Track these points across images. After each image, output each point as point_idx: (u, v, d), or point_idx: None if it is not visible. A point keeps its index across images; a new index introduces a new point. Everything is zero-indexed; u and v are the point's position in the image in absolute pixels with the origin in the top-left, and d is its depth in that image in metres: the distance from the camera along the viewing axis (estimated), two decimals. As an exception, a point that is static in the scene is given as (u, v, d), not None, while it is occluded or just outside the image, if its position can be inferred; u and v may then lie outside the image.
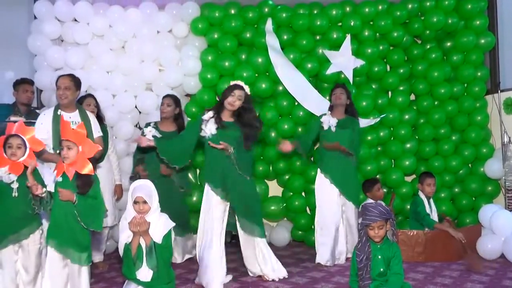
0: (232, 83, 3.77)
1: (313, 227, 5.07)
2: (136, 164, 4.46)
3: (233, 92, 3.67)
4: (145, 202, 2.98)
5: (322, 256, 4.28)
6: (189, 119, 5.16)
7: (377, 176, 4.62)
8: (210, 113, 3.72)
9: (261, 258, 3.78)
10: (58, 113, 3.63)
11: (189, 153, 3.74)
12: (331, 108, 4.50)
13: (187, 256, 4.57)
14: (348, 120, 4.42)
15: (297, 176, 5.25)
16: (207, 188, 3.72)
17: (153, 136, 4.03)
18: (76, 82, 3.77)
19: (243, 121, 3.72)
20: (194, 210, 4.66)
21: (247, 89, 3.74)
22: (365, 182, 4.57)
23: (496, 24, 5.56)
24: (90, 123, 3.76)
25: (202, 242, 3.70)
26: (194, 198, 5.05)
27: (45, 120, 3.67)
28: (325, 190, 4.38)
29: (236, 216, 3.74)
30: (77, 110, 3.80)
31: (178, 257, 4.50)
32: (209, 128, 3.66)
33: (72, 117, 3.68)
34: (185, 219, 4.59)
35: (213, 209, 3.66)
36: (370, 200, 4.33)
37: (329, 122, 4.38)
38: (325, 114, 4.46)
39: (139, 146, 4.11)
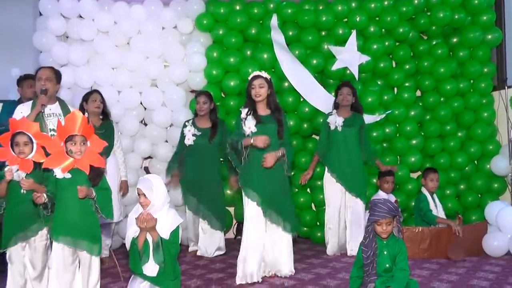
0: (249, 76, 3.80)
1: (318, 223, 5.14)
2: (175, 164, 4.56)
3: (252, 84, 3.71)
4: (144, 195, 2.98)
5: (332, 249, 4.49)
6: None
7: (393, 169, 4.68)
8: (246, 110, 3.74)
9: (278, 252, 3.81)
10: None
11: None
12: (336, 107, 4.53)
13: (217, 253, 4.58)
14: (353, 118, 4.48)
15: (303, 172, 5.23)
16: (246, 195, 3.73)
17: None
18: (57, 74, 3.75)
19: (271, 108, 3.75)
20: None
21: (264, 74, 3.75)
22: (380, 172, 4.68)
23: (503, 19, 5.55)
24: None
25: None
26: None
27: (24, 109, 3.64)
28: (332, 188, 4.50)
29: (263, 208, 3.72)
30: (57, 102, 3.76)
31: (208, 251, 4.53)
32: (249, 126, 3.68)
33: (52, 109, 3.68)
34: (222, 214, 4.66)
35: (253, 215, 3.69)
36: (379, 196, 4.38)
37: (336, 122, 4.45)
38: (331, 114, 4.52)
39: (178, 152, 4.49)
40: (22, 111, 3.61)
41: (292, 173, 5.25)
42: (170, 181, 4.53)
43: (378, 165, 4.64)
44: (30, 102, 3.69)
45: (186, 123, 4.53)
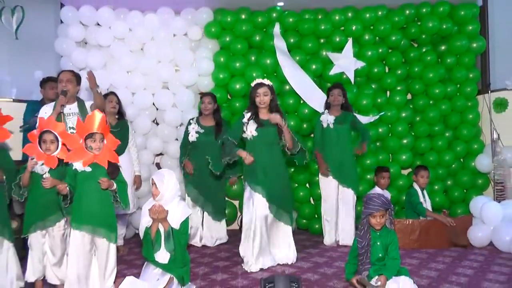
0: (253, 83, 3.79)
1: (316, 216, 5.13)
2: (184, 156, 4.57)
3: (257, 92, 3.70)
4: (155, 186, 3.01)
5: (329, 240, 4.50)
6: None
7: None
8: (248, 115, 3.74)
9: (281, 242, 3.82)
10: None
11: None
12: (328, 106, 4.54)
13: (218, 242, 4.59)
14: (344, 115, 4.48)
15: (302, 168, 5.23)
16: (248, 188, 3.74)
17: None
18: (77, 77, 3.73)
19: (272, 111, 3.75)
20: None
21: (267, 82, 3.76)
22: (378, 167, 4.70)
23: (487, 29, 5.52)
24: (87, 113, 3.59)
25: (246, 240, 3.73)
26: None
27: (48, 110, 3.62)
28: (327, 182, 4.50)
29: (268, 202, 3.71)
30: (76, 102, 3.71)
31: (208, 242, 4.54)
32: (250, 129, 3.70)
33: (72, 109, 3.64)
34: (223, 206, 4.68)
35: (257, 208, 3.68)
36: (375, 190, 4.38)
37: (328, 120, 4.45)
38: (323, 113, 4.52)
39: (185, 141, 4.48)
40: (46, 111, 3.60)
41: (292, 169, 5.26)
42: (186, 166, 4.51)
43: (362, 147, 4.48)
44: (53, 103, 3.68)
45: (191, 121, 4.53)
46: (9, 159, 3.33)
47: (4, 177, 3.17)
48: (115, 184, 2.96)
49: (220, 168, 3.87)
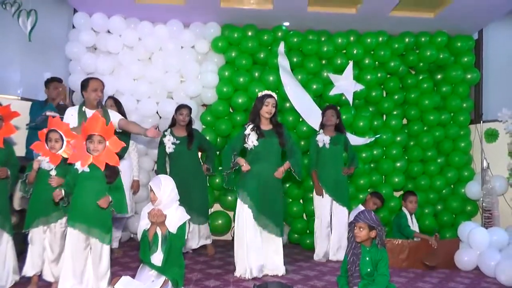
0: (260, 94, 3.90)
1: (308, 231, 5.18)
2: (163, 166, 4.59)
3: (266, 101, 3.81)
4: (153, 192, 3.08)
5: (319, 255, 4.54)
6: (204, 126, 5.27)
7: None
8: (251, 126, 3.83)
9: (270, 253, 3.86)
10: (83, 109, 3.66)
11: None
12: (322, 127, 4.63)
13: (202, 242, 4.61)
14: (338, 137, 4.59)
15: (296, 184, 5.30)
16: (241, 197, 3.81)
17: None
18: (104, 86, 3.81)
19: (273, 123, 3.87)
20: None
21: (275, 95, 3.88)
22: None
23: (481, 62, 5.68)
24: (109, 117, 3.67)
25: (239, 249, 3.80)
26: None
27: (74, 112, 3.67)
28: (321, 199, 4.57)
29: (255, 212, 3.77)
30: (100, 109, 3.74)
31: (193, 244, 4.55)
32: (251, 140, 3.79)
33: None
34: (206, 209, 4.70)
35: (247, 217, 3.76)
36: (358, 209, 4.45)
37: (323, 140, 4.54)
38: (319, 133, 4.61)
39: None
40: (72, 113, 3.63)
41: (288, 185, 5.33)
42: None
43: (349, 170, 4.63)
44: (77, 106, 3.72)
45: (165, 133, 4.49)
46: (14, 155, 3.40)
47: (9, 172, 3.24)
48: (110, 198, 2.99)
49: (231, 184, 3.92)
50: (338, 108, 5.03)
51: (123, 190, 3.12)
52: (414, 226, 4.67)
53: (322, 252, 4.55)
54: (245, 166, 3.79)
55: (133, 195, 4.63)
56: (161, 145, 4.50)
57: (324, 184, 4.53)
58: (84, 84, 3.68)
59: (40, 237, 3.23)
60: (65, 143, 3.17)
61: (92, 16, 5.20)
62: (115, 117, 3.69)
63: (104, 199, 2.97)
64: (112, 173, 3.05)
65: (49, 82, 4.54)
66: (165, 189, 3.10)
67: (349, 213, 4.56)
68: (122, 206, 3.08)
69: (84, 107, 3.68)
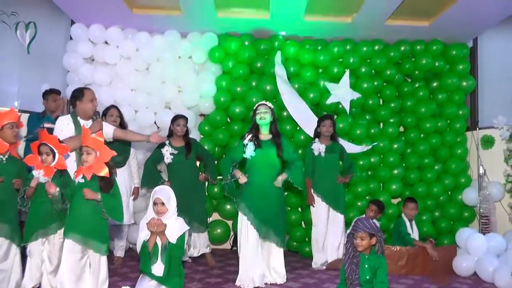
0: (257, 105, 3.95)
1: (307, 239, 5.20)
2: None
3: (257, 110, 3.87)
4: (163, 204, 3.08)
5: (317, 263, 4.57)
6: (202, 136, 5.31)
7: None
8: (249, 137, 3.87)
9: (271, 263, 3.91)
10: (78, 119, 3.65)
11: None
12: (318, 135, 4.68)
13: (202, 251, 4.64)
14: (333, 145, 4.64)
15: (295, 192, 5.31)
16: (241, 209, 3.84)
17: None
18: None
19: (273, 132, 3.90)
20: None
21: (268, 103, 3.93)
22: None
23: (476, 69, 5.75)
24: (102, 128, 3.69)
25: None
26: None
27: (68, 121, 3.64)
28: (318, 207, 4.60)
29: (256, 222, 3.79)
30: (91, 119, 3.79)
31: (194, 251, 4.59)
32: (249, 150, 3.82)
33: (87, 124, 3.69)
34: (205, 218, 4.73)
35: (248, 228, 3.79)
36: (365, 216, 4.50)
37: (319, 148, 4.59)
38: (314, 142, 4.65)
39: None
40: (68, 123, 3.61)
41: (286, 193, 5.35)
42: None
43: (346, 178, 4.69)
44: (69, 115, 3.70)
45: (165, 143, 4.49)
46: (26, 171, 3.39)
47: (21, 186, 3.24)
48: (99, 196, 3.00)
49: (232, 193, 3.99)
50: (335, 117, 5.08)
51: (119, 198, 3.13)
52: (414, 232, 4.70)
53: (320, 260, 4.57)
54: (241, 178, 3.84)
55: (133, 201, 4.65)
56: (159, 155, 4.52)
57: (320, 192, 4.56)
58: (78, 95, 3.67)
59: (39, 249, 3.24)
60: (57, 155, 3.15)
61: (89, 27, 5.23)
62: (109, 128, 3.72)
63: (92, 192, 2.97)
64: (106, 184, 3.06)
65: (47, 94, 4.57)
66: (174, 200, 3.14)
67: (345, 220, 4.59)
68: (117, 212, 3.08)
69: (78, 117, 3.67)
